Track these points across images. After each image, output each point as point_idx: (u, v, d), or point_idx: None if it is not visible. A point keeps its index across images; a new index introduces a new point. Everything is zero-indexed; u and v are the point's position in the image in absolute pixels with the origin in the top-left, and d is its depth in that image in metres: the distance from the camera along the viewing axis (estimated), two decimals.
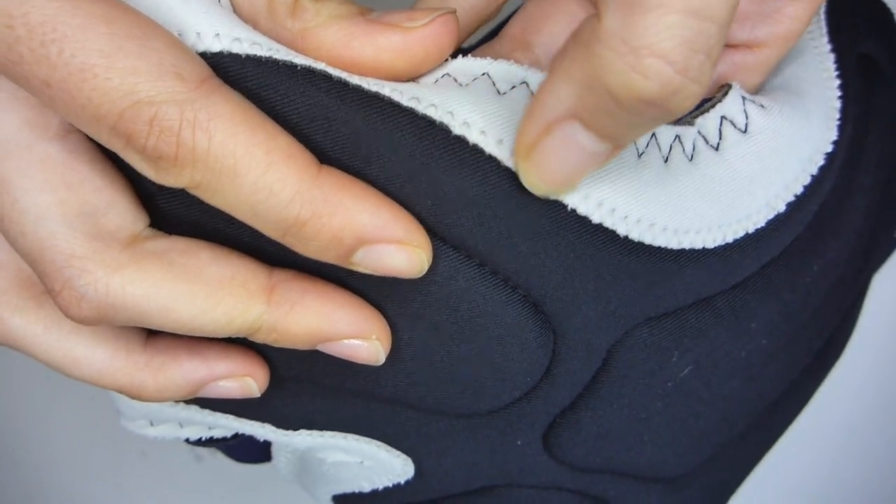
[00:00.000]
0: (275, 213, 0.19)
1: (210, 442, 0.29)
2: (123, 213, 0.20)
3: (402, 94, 0.20)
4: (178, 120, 0.17)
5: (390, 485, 0.28)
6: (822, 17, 0.26)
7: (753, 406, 0.26)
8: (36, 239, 0.19)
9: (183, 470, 0.43)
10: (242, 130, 0.18)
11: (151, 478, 0.44)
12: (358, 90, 0.20)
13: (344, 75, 0.20)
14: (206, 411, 0.26)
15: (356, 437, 0.26)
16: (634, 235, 0.21)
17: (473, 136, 0.20)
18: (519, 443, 0.26)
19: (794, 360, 0.26)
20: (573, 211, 0.20)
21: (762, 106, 0.23)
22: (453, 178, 0.20)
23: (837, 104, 0.24)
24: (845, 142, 0.24)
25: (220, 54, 0.19)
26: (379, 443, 0.26)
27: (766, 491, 0.37)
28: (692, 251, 0.22)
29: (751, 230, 0.22)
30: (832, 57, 0.25)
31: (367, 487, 0.29)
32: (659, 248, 0.21)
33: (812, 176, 0.23)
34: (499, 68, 0.21)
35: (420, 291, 0.22)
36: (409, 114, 0.20)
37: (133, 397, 0.23)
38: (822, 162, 0.23)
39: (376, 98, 0.20)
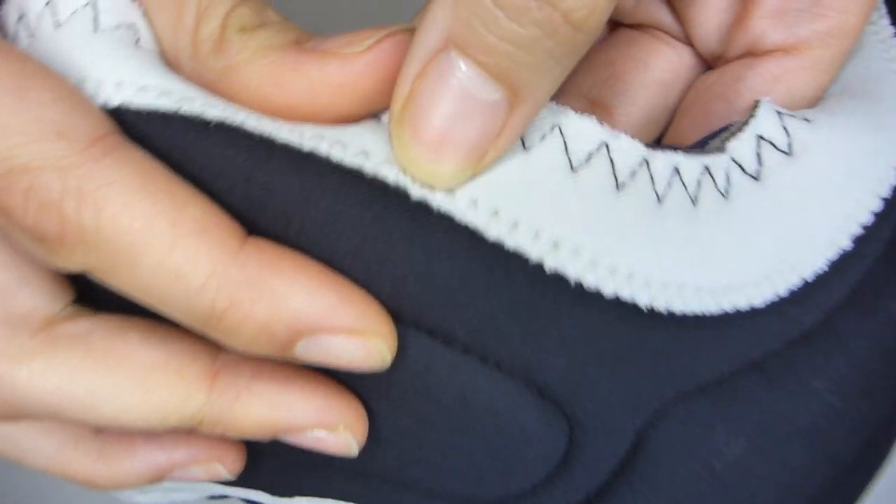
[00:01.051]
0: (185, 301, 0.16)
1: (211, 498, 0.26)
2: (37, 293, 0.18)
3: (345, 148, 0.16)
4: (59, 190, 0.15)
5: None
6: None
7: (824, 472, 0.22)
8: None
9: None
10: (140, 199, 0.15)
11: None
12: (287, 149, 0.16)
13: (270, 129, 0.16)
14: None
15: None
16: (660, 304, 0.17)
17: (437, 200, 0.16)
18: None
19: (869, 414, 0.22)
20: (579, 285, 0.16)
21: (806, 119, 0.18)
22: (416, 255, 0.16)
23: None
24: None
25: (118, 109, 0.16)
26: None
27: None
28: (736, 313, 0.17)
29: (809, 276, 0.18)
30: None
31: None
32: (693, 315, 0.17)
33: (883, 199, 0.18)
34: None
35: (394, 380, 0.18)
36: (354, 175, 0.16)
37: (89, 487, 0.20)
38: (894, 180, 0.18)
39: (311, 158, 0.16)
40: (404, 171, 0.16)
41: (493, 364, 0.17)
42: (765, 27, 0.20)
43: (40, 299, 0.18)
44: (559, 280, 0.16)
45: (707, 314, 0.17)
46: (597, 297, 0.16)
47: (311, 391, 0.18)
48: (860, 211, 0.18)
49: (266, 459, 0.21)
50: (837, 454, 0.21)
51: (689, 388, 0.18)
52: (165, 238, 0.15)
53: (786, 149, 0.18)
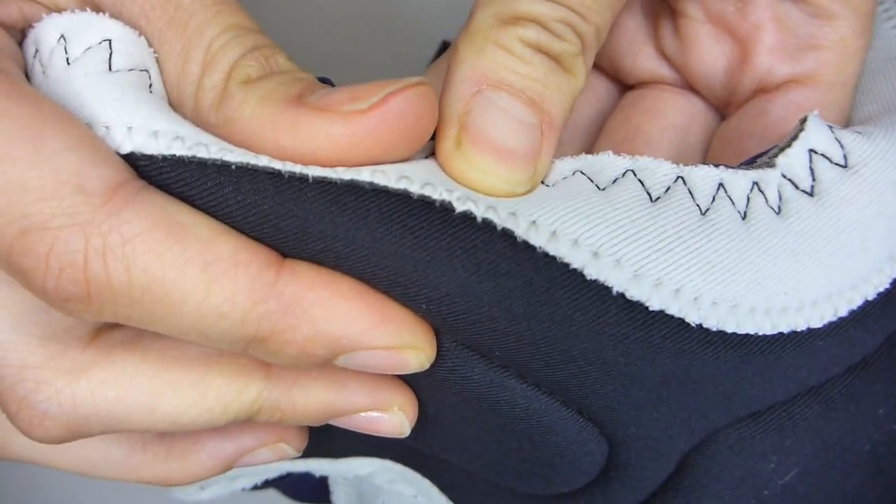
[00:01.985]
0: (228, 335, 0.16)
1: (266, 484, 0.27)
2: None
3: (385, 174, 0.15)
4: (83, 250, 0.14)
5: None
6: None
7: (880, 500, 0.20)
8: None
9: None
10: (168, 249, 0.15)
11: None
12: (323, 183, 0.15)
13: (299, 168, 0.15)
14: None
15: (411, 469, 0.24)
16: (711, 323, 0.16)
17: (480, 212, 0.15)
18: None
19: None
20: (621, 296, 0.15)
21: (859, 133, 0.17)
22: (456, 275, 0.15)
23: None
24: None
25: (131, 156, 0.15)
26: (431, 482, 0.23)
27: None
28: (793, 335, 0.16)
29: (871, 296, 0.17)
30: None
31: None
32: (746, 336, 0.16)
33: None
34: None
35: (436, 381, 0.18)
36: (399, 200, 0.15)
37: (165, 487, 0.21)
38: None
39: (351, 188, 0.15)
40: (476, 190, 0.16)
41: (533, 383, 0.17)
42: (772, 62, 0.20)
43: None
44: (601, 294, 0.15)
45: (762, 335, 0.16)
46: (641, 311, 0.15)
47: (364, 374, 0.18)
48: None
49: (324, 434, 0.21)
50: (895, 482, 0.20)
51: (741, 414, 0.17)
52: (200, 283, 0.15)
53: (841, 162, 0.17)
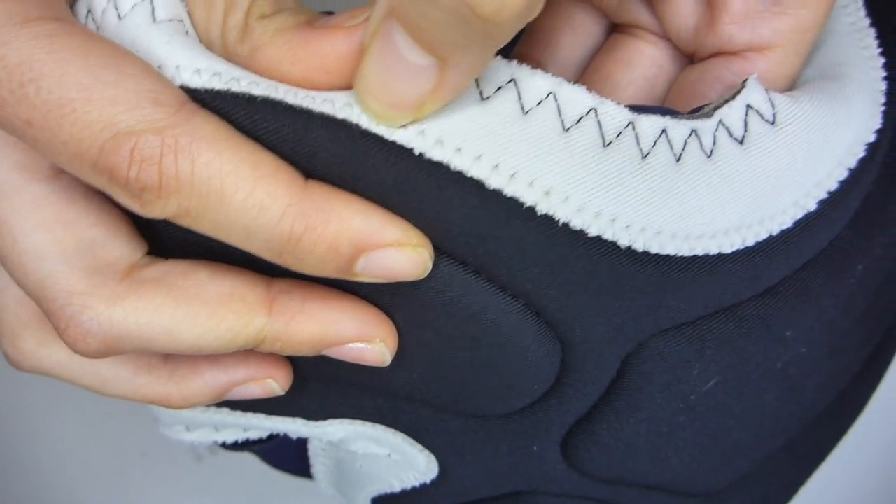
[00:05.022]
0: (268, 231, 0.18)
1: (246, 445, 0.29)
2: (121, 245, 0.21)
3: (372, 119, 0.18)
4: (159, 147, 0.17)
5: (417, 484, 0.28)
6: None
7: (795, 419, 0.24)
8: (37, 279, 0.20)
9: (183, 470, 0.43)
10: (226, 148, 0.18)
11: (151, 477, 0.44)
12: (323, 119, 0.18)
13: (308, 102, 0.18)
14: (238, 413, 0.26)
15: (383, 427, 0.26)
16: (638, 245, 0.19)
17: (447, 158, 0.18)
18: (535, 448, 0.25)
19: (841, 369, 0.24)
20: (566, 225, 0.19)
21: (788, 96, 0.20)
22: (430, 205, 0.19)
23: (882, 86, 0.21)
24: (890, 126, 0.21)
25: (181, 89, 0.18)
26: (404, 435, 0.26)
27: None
28: (706, 258, 0.20)
29: (775, 232, 0.20)
30: (873, 32, 0.22)
31: (396, 486, 0.28)
32: (668, 256, 0.19)
33: (849, 170, 0.20)
34: None
35: (418, 298, 0.21)
36: (378, 140, 0.18)
37: (163, 407, 0.24)
38: (862, 154, 0.20)
39: (344, 126, 0.18)
40: (365, 111, 0.18)
41: (500, 287, 0.20)
42: (732, 31, 0.21)
43: (124, 250, 0.21)
44: (549, 223, 0.19)
45: (681, 256, 0.19)
46: (581, 236, 0.19)
47: (352, 310, 0.21)
48: (828, 180, 0.20)
49: (304, 388, 0.25)
50: (808, 404, 0.24)
51: (667, 325, 0.21)
52: (249, 178, 0.18)
53: (771, 119, 0.19)
